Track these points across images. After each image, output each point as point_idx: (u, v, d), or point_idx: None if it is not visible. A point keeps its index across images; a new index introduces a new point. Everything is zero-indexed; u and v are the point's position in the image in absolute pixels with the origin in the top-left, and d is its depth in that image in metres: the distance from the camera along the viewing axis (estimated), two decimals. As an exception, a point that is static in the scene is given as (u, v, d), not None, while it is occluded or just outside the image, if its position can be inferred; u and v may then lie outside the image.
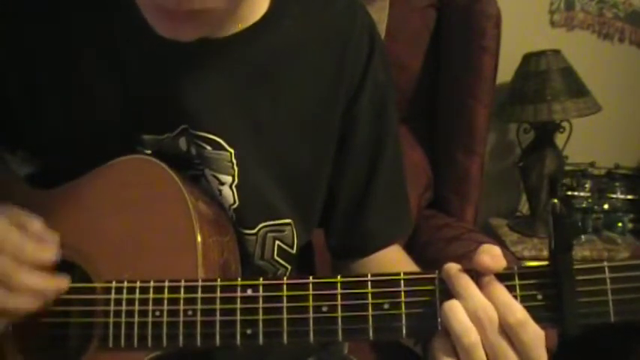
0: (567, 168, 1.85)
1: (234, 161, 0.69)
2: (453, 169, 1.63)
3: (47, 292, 0.60)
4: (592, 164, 1.87)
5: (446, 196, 1.66)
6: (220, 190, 0.70)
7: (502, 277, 0.53)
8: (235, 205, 0.71)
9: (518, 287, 0.53)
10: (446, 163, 1.66)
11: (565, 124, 1.81)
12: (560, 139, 1.84)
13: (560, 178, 1.81)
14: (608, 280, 0.51)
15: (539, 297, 0.52)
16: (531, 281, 0.53)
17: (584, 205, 1.77)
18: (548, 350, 1.29)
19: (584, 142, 1.88)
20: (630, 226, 1.75)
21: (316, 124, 0.74)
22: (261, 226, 0.73)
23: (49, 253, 0.61)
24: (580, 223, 1.75)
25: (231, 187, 0.70)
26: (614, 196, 1.78)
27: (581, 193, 1.79)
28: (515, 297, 0.53)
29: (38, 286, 0.59)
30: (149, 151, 0.69)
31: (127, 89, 0.68)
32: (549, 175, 1.74)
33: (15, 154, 0.76)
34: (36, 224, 0.61)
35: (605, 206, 1.76)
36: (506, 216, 1.99)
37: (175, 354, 0.64)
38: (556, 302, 0.52)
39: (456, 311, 0.53)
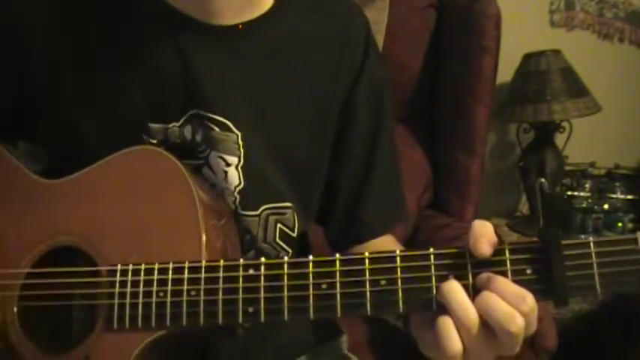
0: (567, 168, 1.85)
1: (240, 143, 0.73)
2: (453, 169, 1.64)
3: None
4: (592, 164, 1.87)
5: (446, 196, 1.66)
6: (226, 172, 0.73)
7: (494, 252, 0.55)
8: (240, 186, 0.73)
9: (508, 262, 0.55)
10: (446, 163, 1.66)
11: (565, 124, 1.81)
12: (560, 139, 1.84)
13: (560, 177, 1.81)
14: (593, 255, 0.53)
15: (529, 271, 0.54)
16: (521, 256, 0.55)
17: (584, 205, 1.76)
18: (548, 350, 1.29)
19: (584, 142, 1.88)
20: (630, 226, 1.74)
21: (315, 115, 0.78)
22: (263, 207, 0.75)
23: None
24: (580, 223, 1.75)
25: (237, 168, 0.73)
26: (614, 196, 1.78)
27: (581, 193, 1.79)
28: (506, 272, 0.54)
29: None
30: (155, 141, 0.72)
31: (138, 77, 0.71)
32: (550, 173, 1.74)
33: (17, 147, 0.77)
34: None
35: (605, 206, 1.76)
36: (506, 216, 1.99)
37: (178, 343, 0.65)
38: (545, 276, 0.54)
39: (455, 291, 0.54)
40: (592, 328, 1.69)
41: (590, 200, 1.78)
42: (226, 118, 0.72)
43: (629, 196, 1.78)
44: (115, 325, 0.61)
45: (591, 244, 0.53)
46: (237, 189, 0.73)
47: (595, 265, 0.53)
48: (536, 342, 1.24)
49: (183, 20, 0.71)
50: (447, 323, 0.53)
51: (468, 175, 1.62)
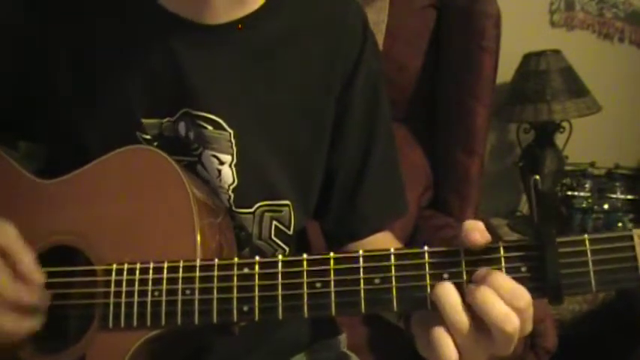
0: (567, 168, 1.85)
1: (233, 141, 0.73)
2: (453, 169, 1.63)
3: (19, 333, 0.61)
4: (592, 164, 1.87)
5: (446, 196, 1.66)
6: (220, 170, 0.73)
7: (488, 250, 0.55)
8: (234, 185, 0.73)
9: (503, 260, 0.54)
10: (446, 163, 1.66)
11: (565, 124, 1.81)
12: (560, 139, 1.84)
13: (560, 177, 1.81)
14: (589, 252, 0.53)
15: (524, 269, 0.54)
16: (516, 254, 0.55)
17: (584, 205, 1.76)
18: (548, 350, 1.29)
19: (584, 142, 1.88)
20: (630, 226, 1.75)
21: (313, 107, 0.78)
22: (258, 205, 0.75)
23: (29, 296, 0.61)
24: (580, 223, 1.75)
25: (230, 166, 0.73)
26: (614, 196, 1.78)
27: (581, 193, 1.79)
28: (500, 269, 0.54)
29: (10, 328, 0.60)
30: (149, 136, 0.72)
31: (131, 76, 0.72)
32: (550, 173, 1.74)
33: (18, 150, 0.78)
34: (24, 260, 0.61)
35: (605, 206, 1.76)
36: (506, 216, 1.99)
37: (173, 343, 0.65)
38: (540, 273, 0.53)
39: (448, 294, 0.54)
40: (592, 328, 1.69)
41: (590, 200, 1.78)
42: (218, 116, 0.72)
43: (629, 196, 1.78)
44: (111, 324, 0.61)
45: (586, 241, 0.53)
46: (231, 187, 0.73)
47: (590, 262, 0.53)
48: (536, 342, 1.24)
49: (173, 20, 0.72)
50: (441, 333, 0.53)
51: (468, 175, 1.61)
